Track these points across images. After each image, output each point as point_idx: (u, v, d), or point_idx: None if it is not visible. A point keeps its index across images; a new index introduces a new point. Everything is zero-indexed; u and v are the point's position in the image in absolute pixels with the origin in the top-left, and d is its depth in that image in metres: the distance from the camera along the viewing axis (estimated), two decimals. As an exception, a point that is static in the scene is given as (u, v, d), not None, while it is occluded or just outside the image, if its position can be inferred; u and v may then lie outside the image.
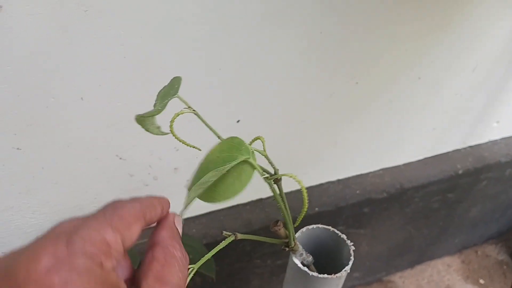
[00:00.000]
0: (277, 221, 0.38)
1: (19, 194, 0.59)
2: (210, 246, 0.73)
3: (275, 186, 0.33)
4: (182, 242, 0.64)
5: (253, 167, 0.29)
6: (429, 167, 0.92)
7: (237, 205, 0.80)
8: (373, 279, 1.10)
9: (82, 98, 0.54)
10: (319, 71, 0.66)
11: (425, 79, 0.78)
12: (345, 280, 1.13)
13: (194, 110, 0.34)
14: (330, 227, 0.43)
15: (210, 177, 0.27)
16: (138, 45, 0.52)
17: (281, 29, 0.59)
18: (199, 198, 0.31)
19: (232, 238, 0.34)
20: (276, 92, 0.66)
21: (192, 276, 0.80)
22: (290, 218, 0.36)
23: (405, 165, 0.93)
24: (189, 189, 0.31)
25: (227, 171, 0.28)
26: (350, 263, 0.40)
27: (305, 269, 0.39)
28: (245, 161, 0.28)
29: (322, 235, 0.43)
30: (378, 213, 0.90)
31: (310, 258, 0.41)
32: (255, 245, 0.80)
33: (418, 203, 0.94)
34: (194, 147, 0.36)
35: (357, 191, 0.85)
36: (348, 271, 0.39)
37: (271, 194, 0.85)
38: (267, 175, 0.31)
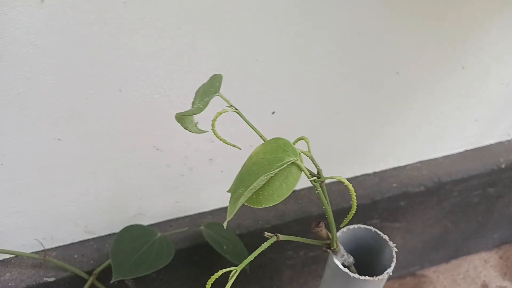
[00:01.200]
0: (318, 222, 0.37)
1: (61, 183, 0.60)
2: (242, 237, 0.73)
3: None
4: (217, 232, 0.64)
5: (301, 169, 0.28)
6: (470, 160, 0.89)
7: (271, 196, 0.79)
8: (406, 273, 1.08)
9: (120, 90, 0.54)
10: (359, 60, 0.64)
11: (469, 69, 0.74)
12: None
13: (236, 109, 0.33)
14: (371, 228, 0.42)
15: (260, 181, 0.26)
16: (176, 37, 0.52)
17: (321, 17, 0.57)
18: (245, 203, 0.30)
19: (274, 240, 0.34)
20: (313, 82, 0.64)
21: (223, 266, 0.81)
22: (333, 220, 0.35)
23: (444, 157, 0.89)
24: (232, 192, 0.30)
25: (271, 176, 0.28)
26: (393, 265, 0.38)
27: (346, 270, 0.38)
28: (293, 163, 0.27)
29: (363, 235, 0.42)
30: (415, 207, 0.87)
31: (351, 259, 0.40)
32: (288, 237, 0.79)
33: (457, 197, 0.90)
34: (234, 146, 0.35)
35: (394, 184, 0.83)
36: (390, 273, 0.38)
37: (304, 186, 0.84)
38: (314, 178, 0.30)
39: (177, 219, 0.74)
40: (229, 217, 0.28)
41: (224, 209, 0.77)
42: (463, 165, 0.88)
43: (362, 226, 0.42)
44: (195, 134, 0.63)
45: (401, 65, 0.68)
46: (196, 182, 0.70)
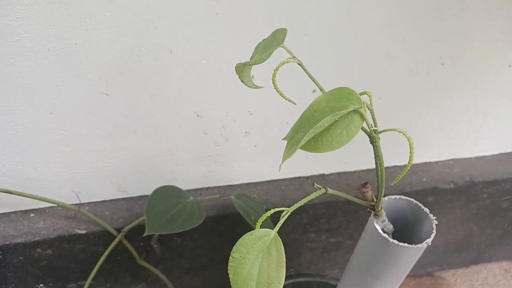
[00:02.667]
0: (365, 183, 0.37)
1: (102, 138, 0.62)
2: (270, 213, 0.73)
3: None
4: (246, 203, 0.65)
5: (363, 118, 0.28)
6: (505, 164, 0.87)
7: (299, 177, 0.80)
8: (424, 272, 1.07)
9: (171, 51, 0.55)
10: (406, 47, 0.63)
11: (516, 68, 0.73)
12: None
13: (299, 61, 0.33)
14: (412, 199, 0.42)
15: (325, 122, 0.27)
16: (231, 2, 0.52)
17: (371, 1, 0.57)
18: (301, 148, 0.31)
19: (322, 191, 0.34)
20: (356, 66, 0.64)
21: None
22: (384, 179, 0.35)
23: (477, 158, 0.88)
24: (290, 138, 0.31)
25: (334, 122, 0.28)
26: (432, 236, 0.38)
27: (386, 235, 0.38)
28: (356, 111, 0.28)
29: (403, 207, 0.42)
30: (442, 204, 0.86)
31: (391, 227, 0.40)
32: (312, 219, 0.80)
33: (486, 199, 0.89)
34: (290, 101, 0.36)
35: (424, 179, 0.82)
36: (429, 243, 0.38)
37: (333, 171, 0.84)
38: (375, 128, 0.30)
39: (207, 188, 0.75)
40: (284, 159, 0.29)
41: (252, 184, 0.78)
42: (497, 168, 0.86)
43: (403, 197, 0.42)
44: (235, 104, 0.64)
45: (447, 56, 0.67)
46: (230, 153, 0.71)
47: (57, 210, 0.69)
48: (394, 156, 0.81)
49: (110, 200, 0.72)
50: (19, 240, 0.66)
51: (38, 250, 0.68)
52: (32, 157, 0.62)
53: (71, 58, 0.53)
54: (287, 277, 0.76)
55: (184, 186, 0.73)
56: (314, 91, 0.66)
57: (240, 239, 0.30)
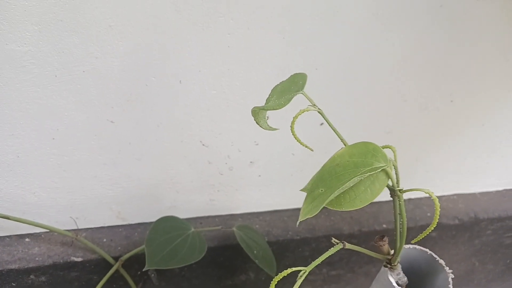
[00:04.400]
0: (383, 236, 0.36)
1: (104, 165, 0.61)
2: (271, 245, 0.72)
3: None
4: (248, 236, 0.63)
5: (388, 176, 0.27)
6: (509, 200, 0.86)
7: (303, 208, 0.78)
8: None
9: (180, 81, 0.54)
10: (419, 82, 0.63)
11: (524, 107, 0.73)
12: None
13: (319, 109, 0.32)
14: (427, 250, 0.41)
15: (352, 182, 0.26)
16: (244, 36, 0.52)
17: (389, 33, 0.56)
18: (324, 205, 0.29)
19: (340, 247, 0.33)
20: (366, 98, 0.63)
21: (246, 271, 0.79)
22: (404, 236, 0.34)
23: (482, 194, 0.87)
24: (309, 191, 0.29)
25: (359, 178, 0.27)
26: (449, 290, 0.37)
27: (401, 291, 0.37)
28: (382, 170, 0.27)
29: (416, 256, 0.41)
30: (446, 240, 0.85)
31: (405, 279, 0.39)
32: (314, 252, 0.78)
33: (490, 236, 0.88)
34: (307, 147, 0.35)
35: (428, 214, 0.81)
36: (447, 302, 0.37)
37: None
38: (400, 188, 0.29)
39: (208, 217, 0.73)
40: (304, 215, 0.28)
41: (254, 214, 0.76)
42: (501, 204, 0.85)
43: (417, 247, 0.41)
44: (241, 135, 0.63)
45: (457, 93, 0.66)
46: (234, 183, 0.69)
47: (53, 236, 0.67)
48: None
49: (108, 227, 0.70)
50: (12, 266, 0.63)
51: (32, 276, 0.65)
52: (31, 182, 0.60)
53: (78, 85, 0.51)
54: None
55: (184, 214, 0.71)
56: (321, 124, 0.65)
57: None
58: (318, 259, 0.31)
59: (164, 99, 0.55)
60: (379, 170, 0.26)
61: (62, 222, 0.66)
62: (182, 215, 0.71)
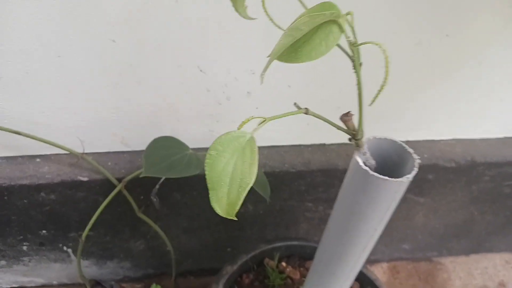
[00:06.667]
0: (348, 112, 0.38)
1: (107, 87, 0.64)
2: (267, 175, 0.75)
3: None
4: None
5: (342, 30, 0.29)
6: (509, 147, 0.87)
7: (299, 145, 0.81)
8: (422, 257, 1.07)
9: (176, 0, 0.57)
10: (408, 15, 0.64)
11: (524, 46, 0.72)
12: (393, 250, 1.12)
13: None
14: (397, 140, 0.42)
15: (301, 24, 0.28)
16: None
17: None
18: (279, 60, 0.32)
19: (302, 111, 0.35)
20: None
21: (244, 203, 0.82)
22: (362, 102, 0.36)
23: (481, 140, 0.88)
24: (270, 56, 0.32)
25: (314, 32, 0.29)
26: (413, 172, 0.39)
27: (366, 168, 0.39)
28: (334, 22, 0.29)
29: (387, 148, 0.43)
30: (442, 184, 0.86)
31: (373, 162, 0.41)
32: (310, 187, 0.80)
33: (488, 182, 0.89)
34: (278, 27, 0.36)
35: (425, 155, 0.82)
36: (411, 179, 0.39)
37: (334, 141, 0.85)
38: (352, 39, 0.31)
39: (208, 148, 0.76)
40: (265, 69, 0.30)
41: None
42: (501, 150, 0.86)
43: (388, 137, 0.43)
44: (238, 62, 0.65)
45: (452, 27, 0.67)
46: (232, 113, 0.72)
47: (62, 158, 0.72)
48: (393, 129, 0.82)
49: (113, 152, 0.74)
50: (24, 182, 0.68)
51: (42, 194, 0.70)
52: (40, 100, 0.64)
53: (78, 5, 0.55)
54: (280, 240, 0.78)
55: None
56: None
57: (217, 137, 0.31)
58: (281, 114, 0.33)
59: (162, 18, 0.58)
60: (331, 21, 0.28)
61: (70, 145, 0.70)
62: (182, 143, 0.75)
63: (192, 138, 0.75)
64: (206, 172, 0.30)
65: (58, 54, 0.59)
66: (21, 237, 0.77)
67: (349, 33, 0.31)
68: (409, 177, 0.39)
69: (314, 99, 0.71)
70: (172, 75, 0.65)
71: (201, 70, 0.65)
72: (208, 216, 0.81)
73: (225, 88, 0.68)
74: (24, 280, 0.86)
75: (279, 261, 0.77)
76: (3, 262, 0.81)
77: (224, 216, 0.31)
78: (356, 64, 0.32)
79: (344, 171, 0.81)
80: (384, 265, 1.06)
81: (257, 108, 0.72)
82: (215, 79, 0.67)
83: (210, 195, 0.31)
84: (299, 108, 0.35)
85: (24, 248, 0.79)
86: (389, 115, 0.78)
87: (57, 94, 0.64)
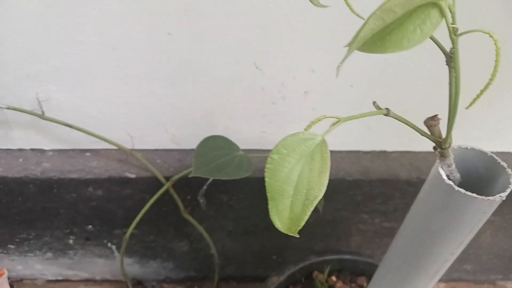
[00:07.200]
0: (435, 115, 0.33)
1: (162, 81, 0.62)
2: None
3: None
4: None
5: (442, 15, 0.24)
6: None
7: (358, 151, 0.75)
8: (485, 279, 0.97)
9: (238, -9, 0.53)
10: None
11: None
12: (453, 270, 1.02)
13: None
14: (488, 152, 0.36)
15: (395, 5, 0.23)
16: None
17: None
18: (361, 49, 0.27)
19: (383, 112, 0.30)
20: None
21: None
22: (457, 108, 0.30)
23: None
24: (350, 45, 0.27)
25: (407, 17, 0.24)
26: (508, 190, 0.33)
27: (450, 182, 0.33)
28: (434, 4, 0.24)
29: (475, 159, 0.37)
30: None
31: (458, 176, 0.35)
32: (366, 198, 0.74)
33: None
34: (358, 15, 0.32)
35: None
36: (504, 198, 0.33)
37: (396, 149, 0.78)
38: (456, 26, 0.25)
39: (258, 150, 0.73)
40: (343, 60, 0.25)
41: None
42: None
43: (476, 147, 0.37)
44: (298, 59, 0.61)
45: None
46: (286, 114, 0.68)
47: (111, 153, 0.71)
48: (469, 139, 0.74)
49: (163, 150, 0.72)
50: (73, 176, 0.68)
51: (90, 189, 0.69)
52: (93, 93, 0.63)
53: (138, -9, 0.53)
54: (331, 253, 0.72)
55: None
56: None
57: (281, 139, 0.27)
58: (357, 115, 0.29)
59: (222, 10, 0.55)
60: (431, 3, 0.23)
61: (120, 140, 0.69)
62: (233, 144, 0.72)
63: (243, 138, 0.71)
64: (266, 179, 0.26)
65: (114, 46, 0.58)
66: (68, 230, 0.77)
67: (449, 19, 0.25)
68: (503, 195, 0.33)
69: (380, 101, 0.66)
70: (228, 72, 0.61)
71: (257, 67, 0.61)
72: (255, 221, 0.77)
73: (281, 87, 0.64)
74: (69, 273, 0.86)
75: (329, 275, 0.72)
76: (49, 254, 0.81)
77: (285, 232, 0.26)
78: (456, 57, 0.27)
79: (406, 182, 0.74)
80: (442, 285, 0.98)
81: (313, 109, 0.68)
82: (271, 76, 0.63)
83: (269, 206, 0.26)
84: (379, 108, 0.30)
85: (70, 241, 0.79)
86: (465, 123, 0.70)
87: (112, 87, 0.62)
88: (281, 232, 0.87)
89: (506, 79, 0.64)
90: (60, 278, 0.87)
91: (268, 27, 0.56)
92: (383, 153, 0.75)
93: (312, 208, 0.26)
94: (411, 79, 0.63)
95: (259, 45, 0.58)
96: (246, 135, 0.70)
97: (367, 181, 0.72)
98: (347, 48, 0.27)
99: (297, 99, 0.66)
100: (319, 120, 0.29)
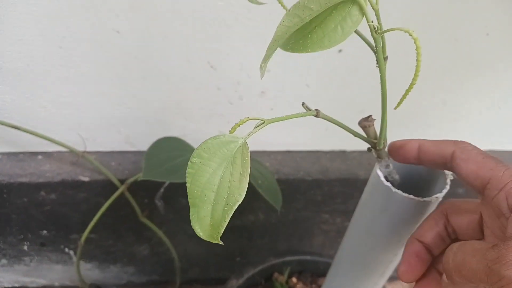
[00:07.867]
0: (369, 116, 0.32)
1: (111, 80, 0.60)
2: (280, 183, 0.69)
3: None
4: (254, 167, 0.60)
5: (362, 12, 0.23)
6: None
7: (317, 151, 0.75)
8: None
9: (185, -12, 0.52)
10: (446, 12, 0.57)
11: None
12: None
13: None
14: (429, 152, 0.36)
15: (310, 2, 0.22)
16: None
17: None
18: (284, 49, 0.26)
19: (312, 113, 0.29)
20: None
21: (255, 212, 0.76)
22: (386, 104, 0.30)
23: (519, 152, 0.79)
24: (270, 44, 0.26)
25: (328, 14, 0.23)
26: (444, 191, 0.33)
27: (388, 184, 0.33)
28: (354, 1, 0.23)
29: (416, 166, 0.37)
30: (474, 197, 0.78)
31: (397, 177, 0.35)
32: (327, 197, 0.74)
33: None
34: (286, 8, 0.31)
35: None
36: (440, 198, 0.33)
37: (355, 148, 0.78)
38: (375, 25, 0.25)
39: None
40: (264, 58, 0.24)
41: (266, 153, 0.74)
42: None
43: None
44: (251, 57, 0.60)
45: (493, 25, 0.60)
46: (244, 114, 0.66)
47: (64, 155, 0.68)
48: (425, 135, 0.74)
49: (117, 152, 0.70)
50: (23, 180, 0.65)
51: (42, 193, 0.67)
52: (41, 94, 0.60)
53: (81, -12, 0.51)
54: (292, 253, 0.72)
55: (193, 144, 0.70)
56: (340, 51, 0.61)
57: (202, 142, 0.26)
58: (282, 116, 0.28)
59: (169, 6, 0.53)
60: (346, 2, 0.22)
61: (72, 142, 0.66)
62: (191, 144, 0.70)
63: (201, 139, 0.69)
64: (187, 185, 0.25)
65: (60, 45, 0.56)
66: (22, 236, 0.74)
67: (373, 18, 0.25)
68: (439, 196, 0.32)
69: (336, 100, 0.65)
70: (180, 70, 0.60)
71: (211, 66, 0.60)
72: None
73: (237, 86, 0.63)
74: (26, 280, 0.83)
75: (290, 276, 0.71)
76: (4, 261, 0.78)
77: (206, 239, 0.25)
78: (379, 57, 0.26)
79: (365, 182, 0.73)
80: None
81: (272, 109, 0.67)
82: (226, 76, 0.62)
83: (190, 213, 0.25)
84: (308, 109, 0.29)
85: (25, 247, 0.76)
86: (421, 120, 0.71)
87: (59, 88, 0.60)
88: (243, 234, 0.85)
89: (459, 77, 0.65)
90: (16, 285, 0.84)
91: (218, 24, 0.55)
92: (343, 153, 0.75)
93: (231, 214, 0.25)
94: (365, 78, 0.63)
95: (210, 42, 0.57)
96: (203, 135, 0.69)
97: (326, 181, 0.71)
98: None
99: (255, 99, 0.65)
100: (244, 122, 0.28)
